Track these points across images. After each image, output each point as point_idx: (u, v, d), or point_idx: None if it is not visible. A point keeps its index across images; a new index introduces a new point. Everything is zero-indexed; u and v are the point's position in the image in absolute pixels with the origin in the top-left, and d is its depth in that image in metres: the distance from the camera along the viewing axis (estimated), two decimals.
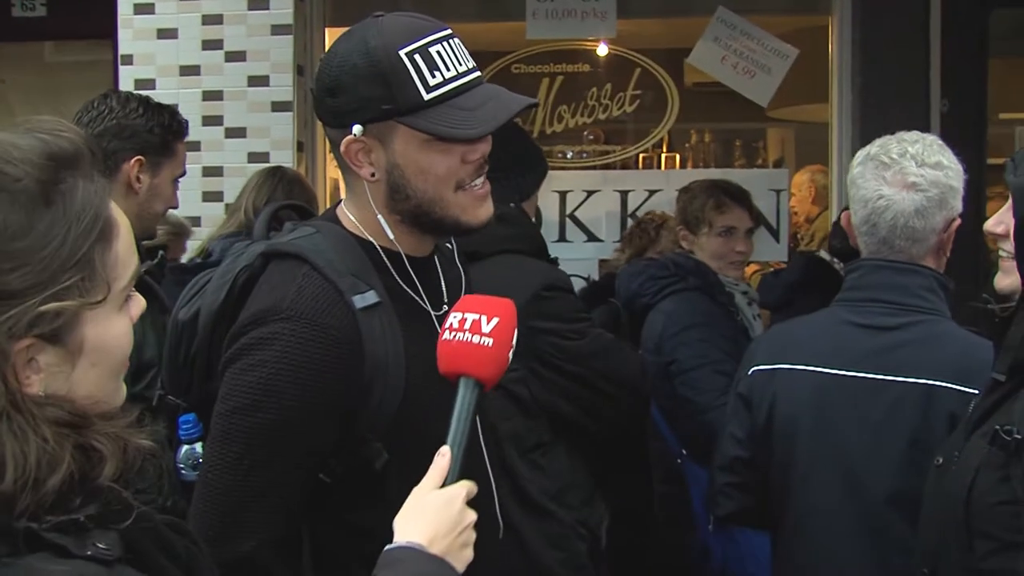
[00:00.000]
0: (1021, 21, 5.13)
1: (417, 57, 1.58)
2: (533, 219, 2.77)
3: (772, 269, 4.50)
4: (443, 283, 1.77)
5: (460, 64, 1.62)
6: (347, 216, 1.72)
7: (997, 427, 1.55)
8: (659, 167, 6.60)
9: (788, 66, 4.59)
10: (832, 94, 4.62)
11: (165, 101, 4.34)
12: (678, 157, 7.01)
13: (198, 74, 4.42)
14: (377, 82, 1.58)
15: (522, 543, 2.35)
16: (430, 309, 1.71)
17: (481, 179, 1.68)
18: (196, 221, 4.37)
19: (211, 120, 4.42)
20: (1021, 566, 1.54)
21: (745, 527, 2.67)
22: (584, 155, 5.22)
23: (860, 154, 2.19)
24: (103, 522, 1.01)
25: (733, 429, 2.26)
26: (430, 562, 1.32)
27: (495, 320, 1.50)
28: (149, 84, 4.42)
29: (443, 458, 1.42)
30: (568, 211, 4.72)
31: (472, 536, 1.40)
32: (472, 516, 1.41)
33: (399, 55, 1.57)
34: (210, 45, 4.42)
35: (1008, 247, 1.68)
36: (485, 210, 1.70)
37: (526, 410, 2.42)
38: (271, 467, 1.56)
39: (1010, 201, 1.66)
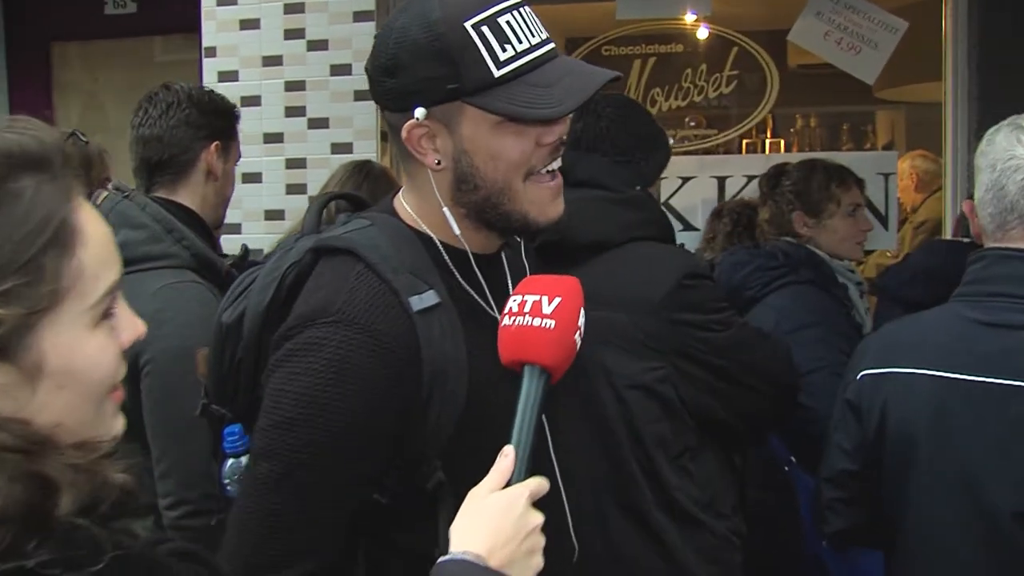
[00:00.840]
0: None
1: (485, 29, 1.42)
2: None
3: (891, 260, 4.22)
4: (510, 284, 1.61)
5: (532, 35, 1.46)
6: (405, 208, 1.58)
7: None
8: (763, 152, 6.36)
9: (897, 40, 4.29)
10: (946, 71, 4.31)
11: (248, 93, 4.41)
12: (783, 142, 6.75)
13: (280, 64, 4.34)
14: (441, 59, 1.43)
15: (673, 559, 2.20)
16: (496, 313, 1.55)
17: (555, 167, 1.52)
18: (279, 214, 4.31)
19: (294, 111, 4.35)
20: None
21: (856, 545, 2.43)
22: (684, 140, 5.01)
23: (993, 128, 1.96)
24: (68, 567, 0.90)
25: (840, 439, 2.07)
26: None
27: (557, 300, 1.36)
28: (232, 76, 4.38)
29: (506, 459, 1.29)
30: (663, 199, 4.52)
31: (540, 541, 1.27)
32: (538, 519, 1.27)
33: (465, 27, 1.42)
34: (292, 34, 4.34)
35: None
36: (555, 208, 1.54)
37: (673, 412, 2.23)
38: (317, 489, 1.42)
39: None
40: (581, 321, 1.38)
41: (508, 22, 1.44)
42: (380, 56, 1.49)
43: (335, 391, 1.39)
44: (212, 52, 4.43)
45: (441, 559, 1.21)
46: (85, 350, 1.00)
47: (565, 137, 1.54)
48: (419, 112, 1.46)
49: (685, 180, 4.57)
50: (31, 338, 0.95)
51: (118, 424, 1.07)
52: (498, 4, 1.44)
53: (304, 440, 1.40)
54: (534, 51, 1.45)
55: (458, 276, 1.53)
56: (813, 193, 3.11)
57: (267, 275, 1.61)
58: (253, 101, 4.36)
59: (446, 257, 1.53)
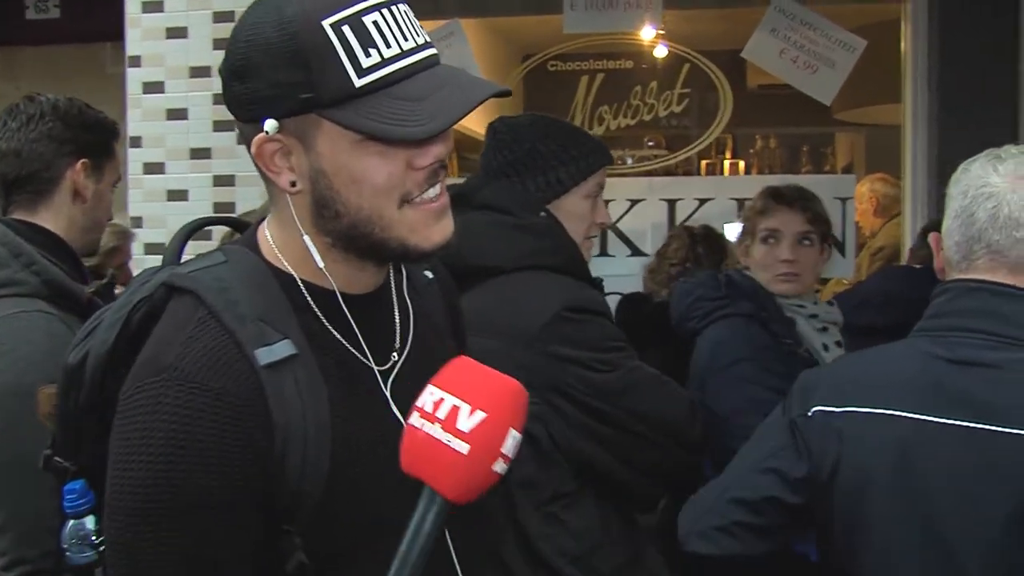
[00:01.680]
0: None
1: (346, 30, 1.20)
2: (589, 225, 2.31)
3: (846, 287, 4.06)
4: (398, 324, 1.39)
5: (406, 39, 1.23)
6: (267, 239, 1.34)
7: None
8: (721, 173, 6.21)
9: (854, 60, 4.16)
10: (905, 93, 4.19)
11: (174, 105, 4.20)
12: (742, 163, 6.62)
13: (209, 75, 4.13)
14: (294, 63, 1.20)
15: None
16: (372, 364, 1.33)
17: (436, 189, 1.29)
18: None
19: (223, 125, 4.14)
20: None
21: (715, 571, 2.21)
22: (629, 160, 4.83)
23: (969, 159, 1.85)
24: None
25: (782, 465, 1.87)
26: None
27: (479, 416, 1.10)
28: (158, 87, 4.17)
29: None
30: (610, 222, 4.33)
31: None
32: None
33: (322, 27, 1.19)
34: (222, 44, 4.11)
35: None
36: (441, 231, 1.30)
37: (542, 453, 2.04)
38: None
39: None
40: (510, 445, 1.13)
41: (375, 22, 1.22)
42: (230, 56, 1.27)
43: (181, 469, 1.18)
44: (137, 62, 4.21)
45: None
46: None
47: (447, 161, 1.31)
48: (269, 124, 1.23)
49: (634, 203, 4.38)
50: None
51: None
52: (364, 0, 1.22)
53: (162, 531, 1.19)
54: (405, 57, 1.23)
55: (324, 320, 1.31)
56: (744, 220, 2.92)
57: (116, 311, 1.38)
58: (180, 114, 4.16)
59: (309, 299, 1.31)
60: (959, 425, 1.70)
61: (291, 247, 1.32)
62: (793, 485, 1.87)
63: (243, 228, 1.57)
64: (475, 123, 2.82)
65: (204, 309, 1.25)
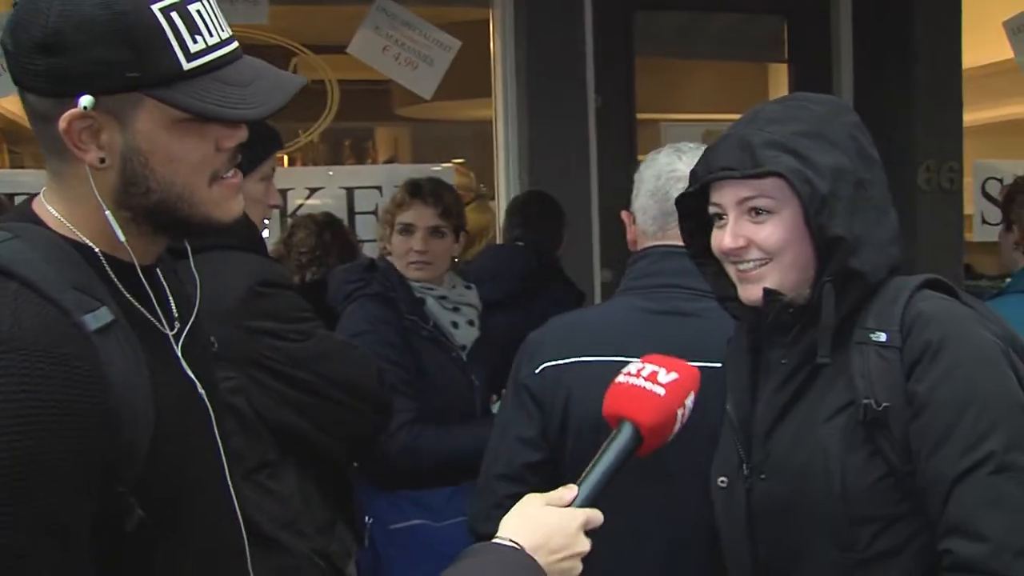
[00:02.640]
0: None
1: (175, 15, 1.26)
2: (264, 206, 2.46)
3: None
4: (170, 295, 1.46)
5: (222, 30, 1.33)
6: (51, 213, 1.34)
7: (867, 402, 1.55)
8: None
9: (451, 58, 4.48)
10: (496, 89, 4.60)
11: None
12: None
13: None
14: (121, 42, 1.24)
15: None
16: (166, 329, 1.40)
17: (232, 169, 1.39)
18: None
19: None
20: (905, 536, 1.56)
21: None
22: None
23: (654, 151, 2.17)
24: None
25: (520, 431, 2.05)
26: (525, 566, 1.26)
27: (673, 375, 1.49)
28: None
29: (568, 491, 1.37)
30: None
31: (578, 568, 1.33)
32: (586, 545, 1.34)
33: (152, 10, 1.25)
34: None
35: (754, 255, 1.66)
36: (238, 204, 1.41)
37: (246, 425, 2.11)
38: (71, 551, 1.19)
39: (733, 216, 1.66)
40: (688, 406, 1.49)
41: (199, 11, 1.30)
42: (32, 27, 1.26)
43: (34, 438, 1.16)
44: None
45: (486, 542, 1.26)
46: None
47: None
48: (86, 100, 1.25)
49: None
50: None
51: None
52: None
53: (18, 502, 1.15)
54: (224, 46, 1.32)
55: (123, 291, 1.34)
56: (385, 212, 3.23)
57: None
58: None
59: (109, 270, 1.34)
60: None
61: (88, 221, 1.33)
62: (531, 443, 2.04)
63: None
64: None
65: (15, 282, 1.23)
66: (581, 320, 2.21)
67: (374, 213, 4.48)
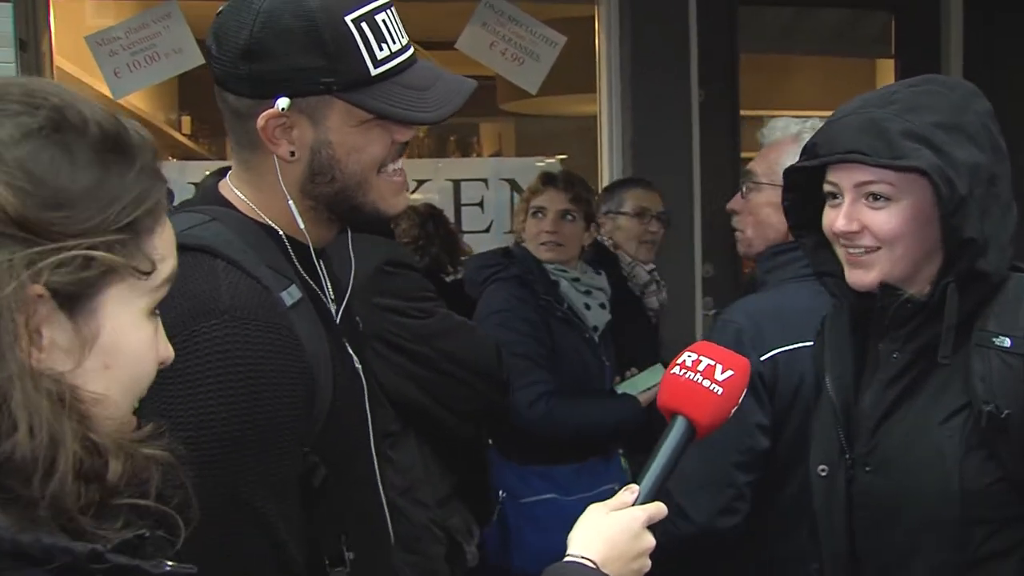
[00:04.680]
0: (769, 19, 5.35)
1: (364, 25, 1.40)
2: None
3: None
4: (328, 279, 1.60)
5: (402, 36, 1.46)
6: (239, 197, 1.48)
7: (988, 408, 1.51)
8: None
9: (556, 53, 4.52)
10: (601, 84, 4.64)
11: None
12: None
13: None
14: (316, 50, 1.37)
15: None
16: (332, 307, 1.54)
17: (400, 163, 1.51)
18: None
19: None
20: (1017, 539, 1.56)
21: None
22: None
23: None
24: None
25: (759, 419, 2.06)
26: None
27: (729, 373, 1.46)
28: None
29: (630, 493, 1.39)
30: None
31: (647, 564, 1.36)
32: (651, 542, 1.36)
33: (345, 21, 1.38)
34: None
35: (866, 242, 1.62)
36: (404, 199, 1.55)
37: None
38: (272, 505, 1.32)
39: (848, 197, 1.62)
40: (740, 402, 1.49)
41: (384, 21, 1.42)
42: (237, 37, 1.38)
43: (262, 403, 1.29)
44: None
45: (561, 562, 1.30)
46: (136, 335, 0.98)
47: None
48: (283, 102, 1.38)
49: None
50: (98, 300, 0.93)
51: (132, 423, 1.02)
52: (375, 1, 1.42)
53: (249, 462, 1.29)
54: (404, 52, 1.44)
55: (301, 271, 1.47)
56: (522, 201, 3.45)
57: None
58: None
59: (291, 251, 1.47)
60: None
61: (271, 206, 1.46)
62: (766, 431, 2.07)
63: None
64: None
65: (220, 261, 1.35)
66: (780, 306, 2.18)
67: (479, 205, 4.59)
